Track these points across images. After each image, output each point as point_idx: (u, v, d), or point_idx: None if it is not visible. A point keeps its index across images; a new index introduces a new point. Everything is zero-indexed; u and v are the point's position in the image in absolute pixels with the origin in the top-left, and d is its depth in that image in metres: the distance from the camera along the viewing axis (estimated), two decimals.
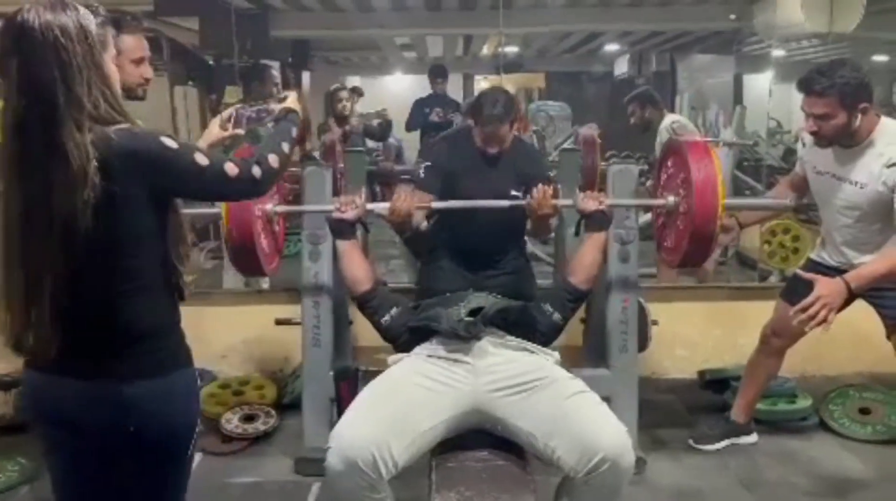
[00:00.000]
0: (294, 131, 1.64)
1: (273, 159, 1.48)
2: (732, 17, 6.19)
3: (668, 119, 3.94)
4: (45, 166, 1.26)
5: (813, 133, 2.33)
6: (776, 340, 2.72)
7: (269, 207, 2.38)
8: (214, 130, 1.94)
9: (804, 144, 2.54)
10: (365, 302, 2.20)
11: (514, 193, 2.59)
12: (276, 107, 1.76)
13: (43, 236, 1.28)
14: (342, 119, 4.84)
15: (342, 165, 3.70)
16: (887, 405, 3.02)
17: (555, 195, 2.40)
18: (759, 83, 7.26)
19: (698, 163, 2.18)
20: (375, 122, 4.93)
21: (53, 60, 1.25)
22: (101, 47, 1.33)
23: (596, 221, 2.26)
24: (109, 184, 1.26)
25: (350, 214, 2.23)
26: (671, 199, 2.36)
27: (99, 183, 1.24)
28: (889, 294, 2.43)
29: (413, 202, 2.43)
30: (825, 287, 2.12)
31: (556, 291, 2.27)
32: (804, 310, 2.07)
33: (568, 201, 2.38)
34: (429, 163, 2.68)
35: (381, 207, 2.46)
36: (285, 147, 1.55)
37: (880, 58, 7.80)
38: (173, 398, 1.42)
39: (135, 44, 2.22)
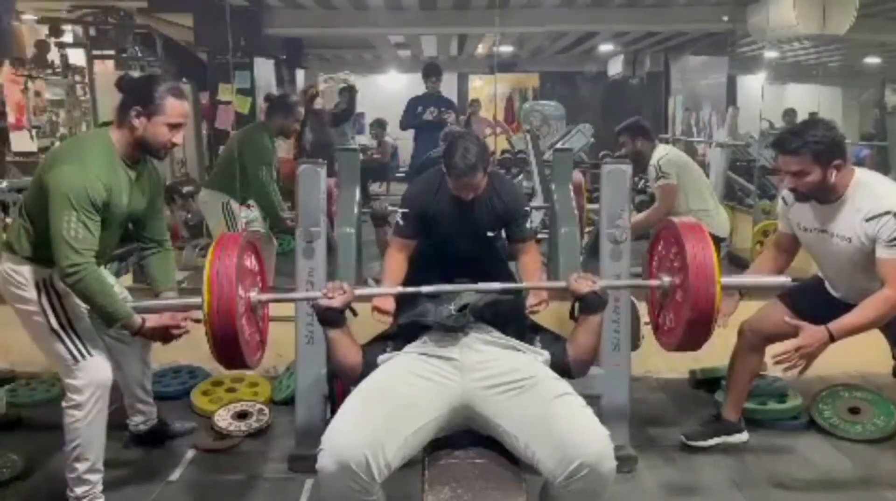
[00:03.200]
0: None
1: None
2: (725, 18, 6.22)
3: (658, 154, 3.91)
4: None
5: (791, 190, 2.41)
6: (753, 336, 2.76)
7: (253, 295, 2.16)
8: None
9: (786, 203, 2.58)
10: (361, 377, 2.07)
11: (490, 234, 2.57)
12: None
13: None
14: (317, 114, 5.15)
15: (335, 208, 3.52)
16: (876, 405, 3.04)
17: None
18: (752, 84, 7.31)
19: (693, 244, 2.09)
20: (338, 98, 4.94)
21: None
22: None
23: (590, 303, 2.12)
24: None
25: (338, 300, 2.08)
26: (666, 279, 2.25)
27: None
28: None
29: (392, 306, 2.41)
30: (808, 338, 2.30)
31: (556, 345, 2.15)
32: (784, 356, 2.28)
33: (561, 284, 2.25)
34: (406, 210, 2.63)
35: (370, 292, 2.39)
36: None
37: (872, 60, 7.85)
38: None
39: (177, 109, 2.23)
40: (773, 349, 2.50)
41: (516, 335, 2.09)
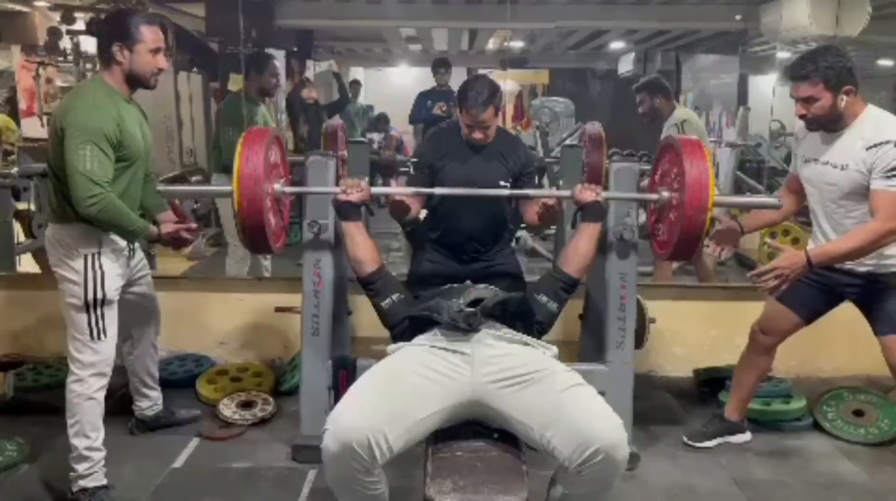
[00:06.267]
0: None
1: None
2: (738, 17, 6.19)
3: (678, 115, 3.85)
4: None
5: (801, 117, 2.43)
6: (763, 337, 2.76)
7: (277, 187, 2.40)
8: None
9: (797, 139, 2.62)
10: (369, 283, 2.26)
11: (502, 183, 2.64)
12: None
13: None
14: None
15: (344, 152, 3.73)
16: (880, 408, 3.04)
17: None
18: (764, 85, 7.27)
19: (691, 160, 2.23)
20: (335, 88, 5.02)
21: None
22: None
23: (592, 212, 2.33)
24: None
25: (354, 196, 2.31)
26: (665, 194, 2.41)
27: None
28: (849, 278, 2.51)
29: (409, 197, 2.56)
30: (785, 259, 2.34)
31: (549, 280, 2.29)
32: (761, 274, 2.33)
33: (566, 193, 2.42)
34: (416, 159, 2.75)
35: (385, 191, 2.51)
36: None
37: (886, 62, 7.79)
38: None
39: (153, 35, 2.33)
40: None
41: (525, 332, 2.11)
